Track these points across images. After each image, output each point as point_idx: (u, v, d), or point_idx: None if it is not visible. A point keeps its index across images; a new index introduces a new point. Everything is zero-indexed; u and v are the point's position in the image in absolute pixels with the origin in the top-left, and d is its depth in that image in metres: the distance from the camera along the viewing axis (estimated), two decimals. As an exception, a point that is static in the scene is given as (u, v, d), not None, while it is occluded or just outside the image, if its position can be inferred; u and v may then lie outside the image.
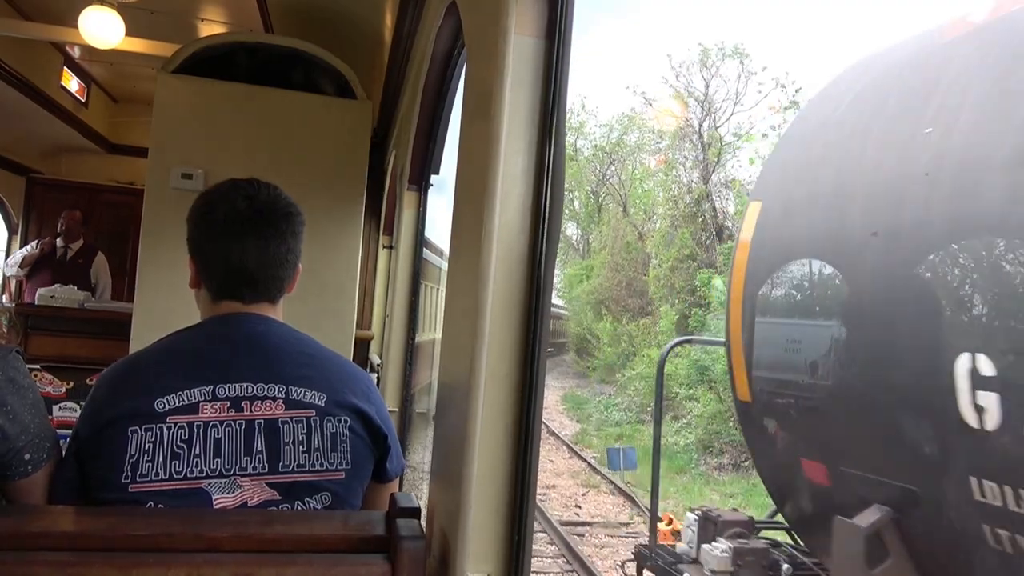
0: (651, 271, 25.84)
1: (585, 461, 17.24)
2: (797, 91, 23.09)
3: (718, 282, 23.19)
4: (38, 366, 3.49)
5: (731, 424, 17.82)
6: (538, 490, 11.41)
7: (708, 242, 24.44)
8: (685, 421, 19.83)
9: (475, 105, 1.34)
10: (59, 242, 6.08)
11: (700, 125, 26.35)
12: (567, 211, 36.54)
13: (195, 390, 1.36)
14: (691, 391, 20.37)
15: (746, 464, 16.96)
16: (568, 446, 19.03)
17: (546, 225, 1.14)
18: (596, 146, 33.43)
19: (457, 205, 1.45)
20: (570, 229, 38.70)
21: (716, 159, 25.29)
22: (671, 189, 26.66)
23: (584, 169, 33.95)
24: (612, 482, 14.91)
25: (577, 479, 15.55)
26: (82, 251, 6.16)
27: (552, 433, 20.44)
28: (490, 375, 1.14)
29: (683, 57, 28.29)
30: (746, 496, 15.16)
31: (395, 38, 3.53)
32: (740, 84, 26.03)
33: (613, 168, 32.78)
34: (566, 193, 35.47)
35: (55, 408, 3.41)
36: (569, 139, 33.03)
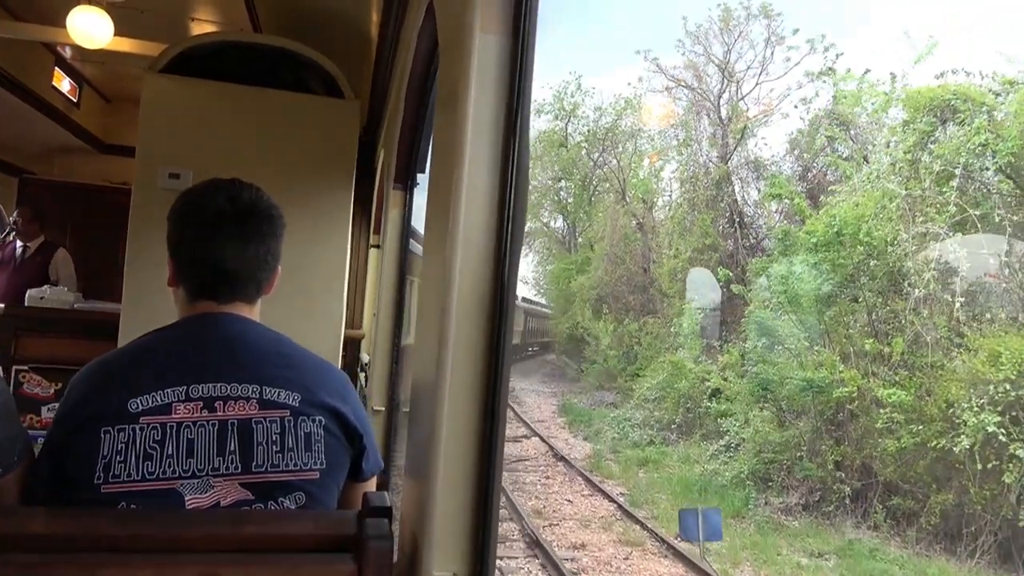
0: (665, 263, 22.89)
1: (614, 502, 13.37)
2: (837, 57, 19.95)
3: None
4: (26, 367, 3.49)
5: (799, 453, 14.34)
6: (565, 552, 10.15)
7: (732, 231, 21.36)
8: (723, 443, 16.32)
9: (445, 103, 1.34)
10: (18, 241, 5.97)
11: (719, 98, 22.91)
12: (555, 202, 33.17)
13: (168, 390, 1.35)
14: (725, 405, 16.90)
15: (828, 509, 13.42)
16: (584, 476, 15.27)
17: (510, 224, 1.14)
18: (590, 131, 29.38)
19: (429, 203, 1.45)
20: (557, 222, 35.03)
21: (740, 135, 22.05)
22: (687, 169, 23.26)
23: (577, 155, 30.13)
24: (657, 536, 11.28)
25: (611, 531, 11.67)
26: (41, 248, 5.94)
27: (561, 458, 16.86)
28: (456, 374, 1.14)
29: (702, 18, 24.56)
30: (843, 557, 11.47)
31: (381, 37, 3.53)
32: (767, 50, 22.53)
33: (609, 153, 28.93)
34: (556, 183, 31.75)
35: (43, 409, 3.41)
36: (560, 123, 30.02)
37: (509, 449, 16.72)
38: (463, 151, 1.15)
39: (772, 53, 22.44)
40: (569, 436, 20.38)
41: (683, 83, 23.99)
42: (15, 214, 5.93)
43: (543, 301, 39.75)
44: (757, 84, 22.74)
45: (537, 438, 19.02)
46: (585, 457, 17.47)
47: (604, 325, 25.13)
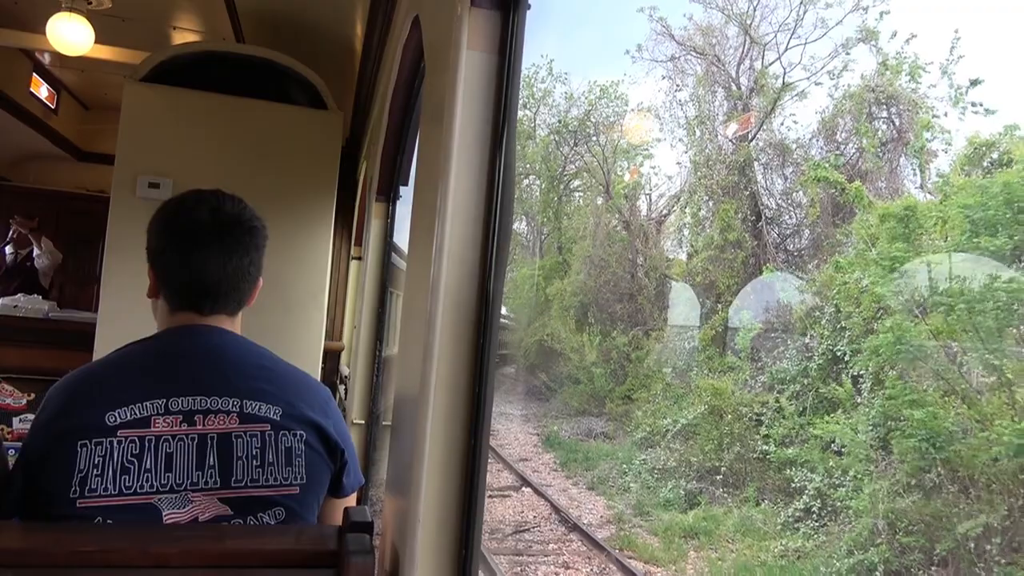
0: (675, 265, 19.83)
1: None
2: (883, 14, 16.13)
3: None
4: (-2, 377, 3.43)
5: (982, 545, 8.88)
6: None
7: (756, 224, 17.55)
8: (799, 506, 11.51)
9: (431, 117, 1.35)
10: (8, 249, 6.08)
11: (737, 66, 18.95)
12: (518, 200, 28.10)
13: (147, 403, 1.34)
14: (793, 450, 12.39)
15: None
16: (621, 565, 10.01)
17: (496, 238, 1.15)
18: (561, 121, 25.52)
19: (414, 217, 1.46)
20: (520, 224, 30.08)
21: (772, 107, 17.94)
22: (700, 152, 19.22)
23: (546, 148, 26.14)
24: None
25: None
26: (30, 254, 6.25)
27: (571, 524, 11.60)
28: (440, 388, 1.14)
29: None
30: None
31: (365, 49, 3.54)
32: (802, 7, 18.05)
33: (584, 145, 24.77)
34: (520, 180, 27.70)
35: (15, 420, 3.36)
36: (528, 112, 26.30)
37: (500, 511, 12.53)
38: (449, 165, 1.16)
39: (804, 12, 18.08)
40: (567, 483, 15.22)
41: (694, 49, 20.06)
42: (14, 225, 6.03)
43: (503, 311, 38.00)
44: (787, 48, 18.41)
45: (529, 488, 14.14)
46: (603, 521, 12.55)
47: (589, 338, 21.62)
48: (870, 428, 10.96)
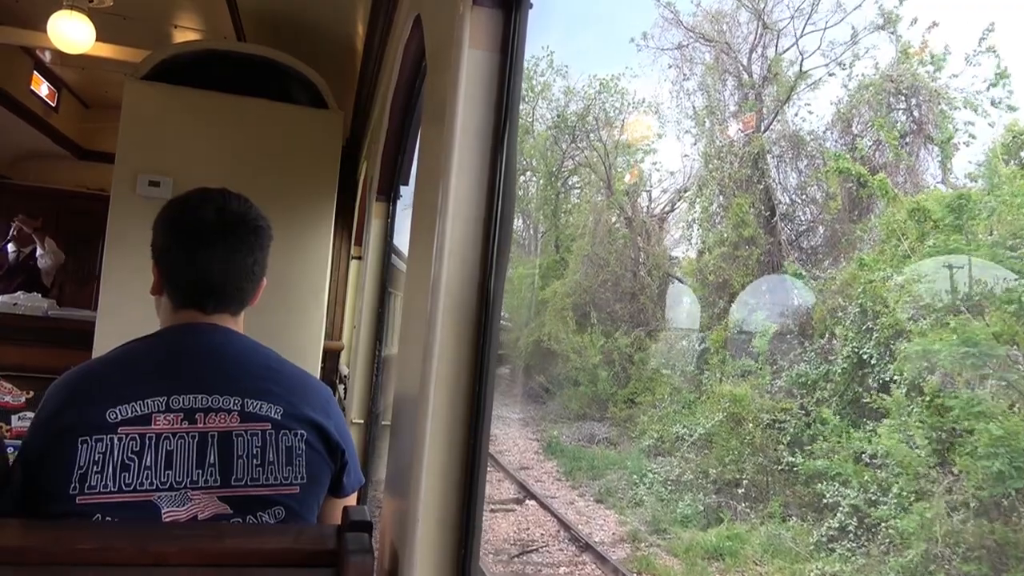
0: (685, 264, 18.76)
1: None
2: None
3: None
4: (-3, 375, 3.43)
5: None
6: None
7: (773, 220, 16.29)
8: (833, 524, 10.35)
9: (432, 116, 1.35)
10: (11, 247, 6.09)
11: (749, 54, 17.76)
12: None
13: (148, 401, 1.34)
14: (822, 462, 11.05)
15: None
16: None
17: (496, 237, 1.15)
18: (560, 115, 24.56)
19: (414, 217, 1.46)
20: (516, 222, 27.32)
21: (786, 96, 16.86)
22: (714, 140, 18.09)
23: (544, 144, 25.04)
24: None
25: None
26: (33, 253, 6.24)
27: (583, 544, 10.56)
28: (440, 388, 1.14)
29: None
30: None
31: (366, 49, 3.55)
32: None
33: (584, 140, 23.67)
34: (518, 176, 28.71)
35: (14, 418, 3.36)
36: (527, 106, 25.25)
37: (504, 528, 11.38)
38: (450, 164, 1.16)
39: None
40: (573, 494, 13.90)
41: (703, 37, 18.89)
42: (16, 222, 6.05)
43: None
44: (802, 34, 17.20)
45: (533, 501, 12.86)
46: (615, 539, 11.40)
47: (591, 339, 20.14)
48: (926, 442, 9.77)
